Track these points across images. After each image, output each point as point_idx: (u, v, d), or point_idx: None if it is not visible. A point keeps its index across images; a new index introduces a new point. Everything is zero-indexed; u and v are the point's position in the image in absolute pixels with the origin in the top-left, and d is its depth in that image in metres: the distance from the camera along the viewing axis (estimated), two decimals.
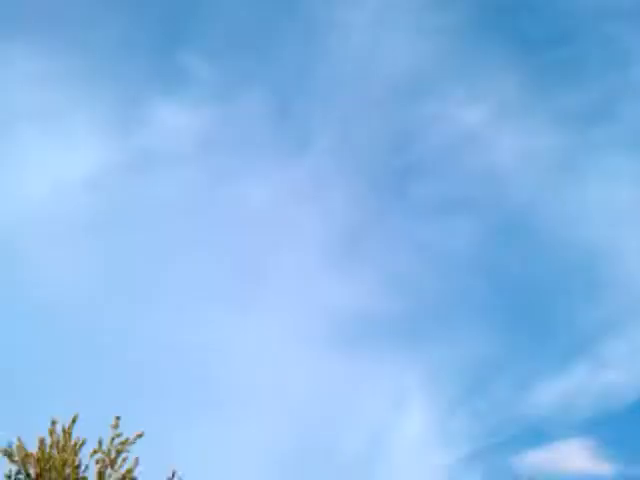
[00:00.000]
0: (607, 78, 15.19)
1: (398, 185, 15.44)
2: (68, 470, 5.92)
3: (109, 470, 6.10)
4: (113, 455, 6.13)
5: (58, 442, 5.93)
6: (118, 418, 6.20)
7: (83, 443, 6.04)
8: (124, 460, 6.17)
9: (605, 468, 13.53)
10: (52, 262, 13.99)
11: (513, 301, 14.59)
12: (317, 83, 16.15)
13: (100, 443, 6.15)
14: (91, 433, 6.12)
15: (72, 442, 5.91)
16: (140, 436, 6.22)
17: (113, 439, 6.17)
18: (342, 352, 14.78)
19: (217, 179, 16.21)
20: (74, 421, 6.05)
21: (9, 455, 5.95)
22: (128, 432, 6.18)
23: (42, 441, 5.96)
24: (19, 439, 5.99)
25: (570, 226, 14.54)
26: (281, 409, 14.39)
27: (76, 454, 5.96)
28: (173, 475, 6.23)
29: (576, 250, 14.40)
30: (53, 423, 6.04)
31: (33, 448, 5.96)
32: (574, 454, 13.64)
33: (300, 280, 15.54)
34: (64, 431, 5.98)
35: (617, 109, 15.05)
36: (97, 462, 6.09)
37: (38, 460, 5.86)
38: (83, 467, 6.06)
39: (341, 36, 16.10)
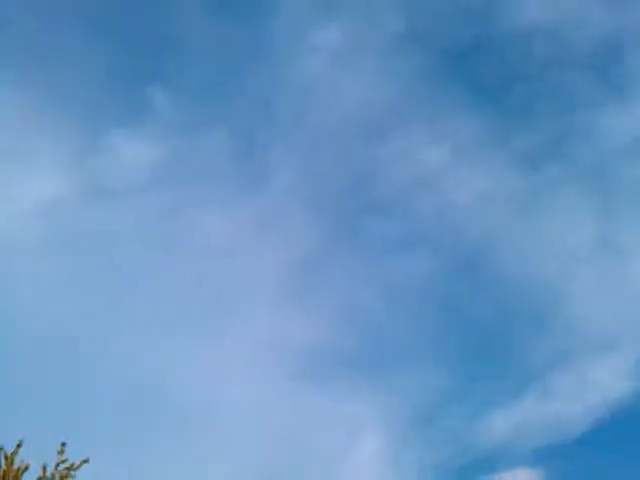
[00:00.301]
0: (557, 121, 15.72)
1: (357, 221, 15.84)
2: None
3: None
4: None
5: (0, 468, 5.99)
6: (64, 444, 6.33)
7: (26, 469, 6.14)
8: None
9: None
10: (5, 289, 14.09)
11: (467, 335, 15.00)
12: (279, 119, 16.56)
13: (44, 469, 6.26)
14: (39, 459, 6.26)
15: (15, 468, 6.00)
16: (85, 462, 6.36)
17: (58, 465, 6.29)
18: (299, 383, 15.04)
19: (175, 211, 16.46)
20: (18, 447, 6.16)
21: None
22: (75, 458, 6.32)
23: None
24: None
25: (523, 263, 15.01)
26: (235, 440, 14.57)
27: None
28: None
29: (528, 286, 14.86)
30: None
31: None
32: None
33: (257, 312, 15.80)
34: (6, 457, 6.06)
35: (567, 150, 15.56)
36: None
37: None
38: None
39: (304, 74, 16.54)
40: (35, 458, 6.17)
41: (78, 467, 6.33)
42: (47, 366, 13.57)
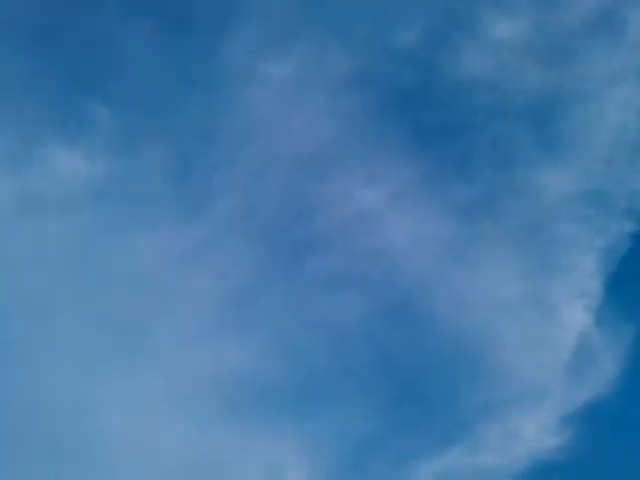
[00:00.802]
0: (494, 174, 16.02)
1: (295, 256, 15.66)
2: None
3: None
4: None
5: None
6: None
7: None
8: None
9: None
10: None
11: (397, 380, 14.92)
12: (223, 146, 16.31)
13: None
14: None
15: None
16: None
17: None
18: (223, 417, 14.65)
19: (108, 230, 15.96)
20: None
21: None
22: None
23: None
24: None
25: (455, 312, 15.12)
26: (153, 473, 14.07)
27: None
28: None
29: (460, 335, 14.96)
30: None
31: None
32: None
33: (186, 341, 15.35)
34: None
35: (502, 204, 15.86)
36: None
37: None
38: None
39: (252, 104, 16.42)
40: None
41: None
42: None
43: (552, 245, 15.52)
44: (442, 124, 16.44)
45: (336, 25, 16.76)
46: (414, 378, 14.86)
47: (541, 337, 14.95)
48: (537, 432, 14.25)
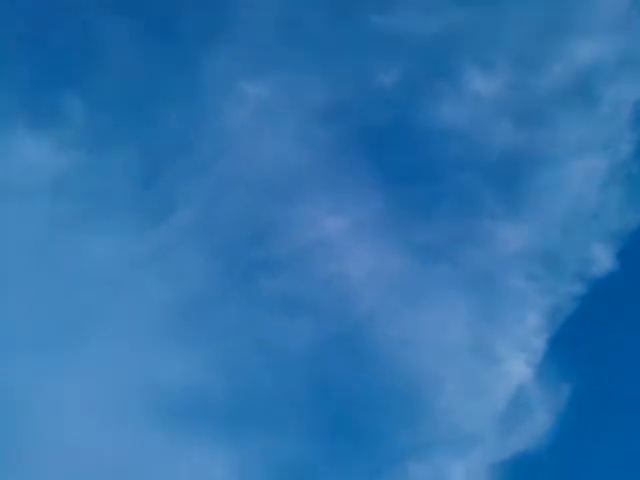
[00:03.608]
0: (455, 222, 16.26)
1: (250, 274, 15.68)
2: None
3: None
4: None
5: None
6: None
7: None
8: None
9: None
10: None
11: (334, 410, 14.93)
12: (193, 157, 16.35)
13: None
14: None
15: None
16: None
17: None
18: (154, 426, 14.49)
19: (64, 225, 15.85)
20: None
21: None
22: None
23: None
24: None
25: (402, 350, 15.23)
26: (75, 475, 13.83)
27: None
28: None
29: (402, 373, 15.05)
30: None
31: None
32: None
33: (128, 346, 15.20)
34: None
35: (460, 252, 16.08)
36: None
37: None
38: None
39: (226, 120, 16.55)
40: None
41: None
42: None
43: (502, 297, 15.76)
44: (410, 167, 16.70)
45: (318, 57, 17.04)
46: (351, 410, 14.88)
47: (480, 385, 15.10)
48: (465, 478, 14.32)
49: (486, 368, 15.24)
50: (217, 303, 15.53)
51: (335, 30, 17.10)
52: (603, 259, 15.80)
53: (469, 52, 17.07)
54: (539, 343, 15.41)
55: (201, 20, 16.93)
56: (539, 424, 14.68)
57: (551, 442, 14.52)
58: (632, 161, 16.31)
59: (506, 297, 15.79)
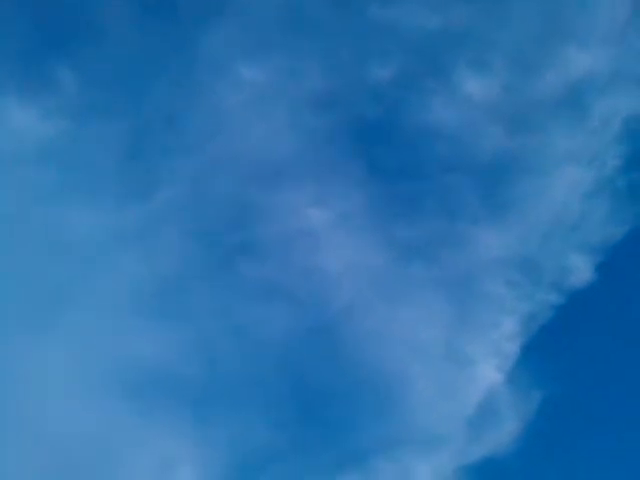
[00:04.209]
0: (437, 222, 16.26)
1: (229, 258, 15.62)
2: None
3: None
4: None
5: None
6: None
7: None
8: None
9: None
10: None
11: (304, 399, 14.93)
12: (181, 136, 16.26)
13: None
14: None
15: None
16: None
17: None
18: (123, 403, 14.44)
19: (45, 194, 15.69)
20: None
21: None
22: None
23: None
24: None
25: (376, 346, 15.25)
26: (40, 450, 13.76)
27: None
28: None
29: (373, 369, 15.08)
30: None
31: None
32: None
33: (102, 321, 15.11)
34: None
35: (438, 253, 16.09)
36: None
37: None
38: None
39: (220, 102, 16.44)
40: None
41: None
42: None
43: (478, 301, 15.81)
44: (398, 164, 16.67)
45: (316, 44, 16.94)
46: (321, 401, 14.90)
47: (450, 387, 15.15)
48: (431, 478, 14.39)
49: (458, 370, 15.30)
50: (195, 284, 15.47)
51: (334, 18, 17.01)
52: (582, 270, 15.89)
53: (466, 52, 17.05)
54: (512, 349, 15.49)
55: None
56: (507, 430, 14.77)
57: (518, 448, 14.62)
58: (618, 176, 16.38)
59: (483, 301, 15.84)
